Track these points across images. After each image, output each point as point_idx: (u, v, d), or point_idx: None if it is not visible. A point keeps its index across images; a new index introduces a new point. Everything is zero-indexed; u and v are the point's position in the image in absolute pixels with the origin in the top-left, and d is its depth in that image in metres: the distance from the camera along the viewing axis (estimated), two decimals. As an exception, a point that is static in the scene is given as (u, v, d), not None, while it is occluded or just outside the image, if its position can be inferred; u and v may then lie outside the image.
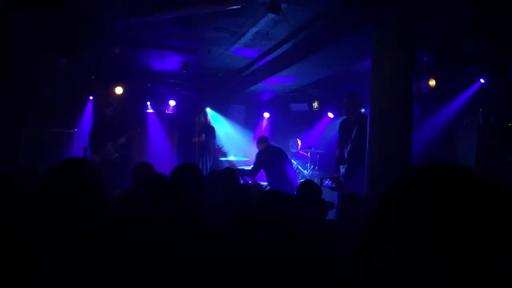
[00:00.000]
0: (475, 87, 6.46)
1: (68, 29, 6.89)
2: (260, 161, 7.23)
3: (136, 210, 3.11)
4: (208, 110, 10.28)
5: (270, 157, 7.24)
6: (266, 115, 11.50)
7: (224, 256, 2.22)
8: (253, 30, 6.86)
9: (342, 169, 6.36)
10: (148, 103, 10.33)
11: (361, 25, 5.49)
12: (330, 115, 10.45)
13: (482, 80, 6.33)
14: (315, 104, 10.60)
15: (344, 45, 6.19)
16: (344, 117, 6.80)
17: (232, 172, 4.07)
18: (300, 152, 9.64)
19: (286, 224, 2.40)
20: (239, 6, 5.74)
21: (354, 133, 6.25)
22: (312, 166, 8.95)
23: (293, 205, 2.55)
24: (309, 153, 9.04)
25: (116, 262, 2.19)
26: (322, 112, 10.53)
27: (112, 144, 7.68)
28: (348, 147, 6.33)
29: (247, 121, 11.63)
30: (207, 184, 4.23)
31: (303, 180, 4.17)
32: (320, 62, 7.17)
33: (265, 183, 8.13)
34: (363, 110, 6.40)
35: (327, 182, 5.17)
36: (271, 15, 5.86)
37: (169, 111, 10.55)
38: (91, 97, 9.78)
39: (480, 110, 6.36)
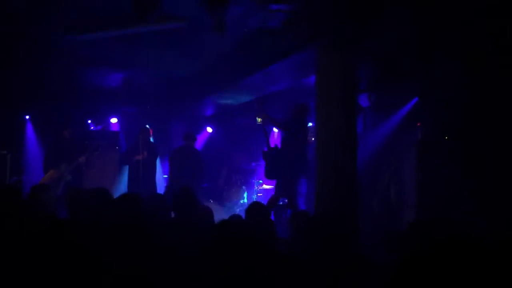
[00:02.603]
0: (412, 102, 6.76)
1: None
2: None
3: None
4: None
5: None
6: (209, 129, 11.41)
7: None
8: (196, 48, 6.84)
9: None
10: (89, 121, 10.02)
11: (305, 43, 5.61)
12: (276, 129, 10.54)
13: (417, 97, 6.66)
14: (259, 119, 10.63)
15: (289, 63, 6.30)
16: None
17: (189, 195, 3.99)
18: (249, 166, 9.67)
19: (237, 258, 2.39)
20: (183, 25, 5.71)
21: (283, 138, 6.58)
22: (259, 181, 9.00)
23: (244, 236, 2.52)
24: (255, 168, 9.10)
25: None
26: (268, 126, 10.57)
27: (66, 165, 7.50)
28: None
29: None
30: (152, 208, 4.13)
31: (250, 203, 4.17)
32: (264, 78, 7.25)
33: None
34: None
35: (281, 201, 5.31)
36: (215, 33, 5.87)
37: (111, 129, 10.28)
38: (27, 117, 9.37)
39: (418, 124, 6.65)
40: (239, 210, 8.09)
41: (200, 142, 11.28)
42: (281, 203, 6.43)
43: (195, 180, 7.86)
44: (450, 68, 5.99)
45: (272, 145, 6.91)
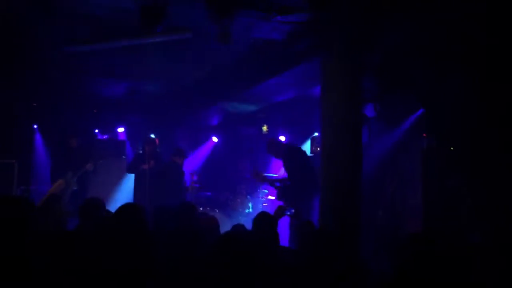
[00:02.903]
0: (418, 113, 6.77)
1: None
2: None
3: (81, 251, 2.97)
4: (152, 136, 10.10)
5: None
6: (215, 139, 11.44)
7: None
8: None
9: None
10: (96, 130, 10.10)
11: (310, 55, 5.65)
12: (282, 138, 10.53)
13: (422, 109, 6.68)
14: (265, 128, 10.65)
15: (293, 74, 6.34)
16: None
17: (188, 208, 4.02)
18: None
19: (242, 273, 2.39)
20: (189, 36, 5.77)
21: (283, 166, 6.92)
22: (265, 191, 9.01)
23: (248, 248, 2.54)
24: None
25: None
26: (273, 136, 10.58)
27: (73, 174, 7.56)
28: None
29: (195, 146, 11.52)
30: (157, 221, 4.15)
31: (258, 213, 4.20)
32: (269, 89, 7.29)
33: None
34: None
35: (288, 211, 5.37)
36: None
37: (118, 138, 10.36)
38: (35, 126, 9.46)
39: (424, 135, 6.65)
40: (244, 220, 8.09)
41: (205, 151, 11.33)
42: (288, 213, 6.45)
43: (165, 199, 7.20)
44: (455, 79, 5.99)
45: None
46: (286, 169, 6.96)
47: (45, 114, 9.32)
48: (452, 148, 6.18)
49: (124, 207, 3.21)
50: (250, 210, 8.94)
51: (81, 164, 7.76)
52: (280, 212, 5.93)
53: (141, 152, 8.60)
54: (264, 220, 3.92)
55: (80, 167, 7.73)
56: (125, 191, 9.74)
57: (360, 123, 5.49)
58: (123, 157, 10.20)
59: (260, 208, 8.88)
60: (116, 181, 10.01)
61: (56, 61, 7.06)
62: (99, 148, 9.66)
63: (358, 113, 5.50)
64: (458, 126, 6.18)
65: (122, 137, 10.51)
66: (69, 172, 7.63)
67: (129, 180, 9.59)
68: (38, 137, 9.58)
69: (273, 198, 8.83)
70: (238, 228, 3.72)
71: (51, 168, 7.99)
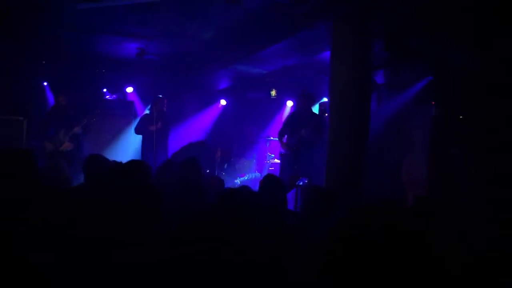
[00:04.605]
0: (427, 80, 6.69)
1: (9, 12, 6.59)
2: None
3: (91, 204, 3.02)
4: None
5: None
6: (223, 102, 11.40)
7: (178, 254, 2.23)
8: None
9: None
10: (104, 89, 10.09)
11: (319, 18, 5.56)
12: (290, 103, 10.49)
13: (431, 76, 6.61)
14: (273, 92, 10.62)
15: (302, 37, 6.26)
16: (292, 111, 7.16)
17: (195, 164, 4.04)
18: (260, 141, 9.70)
19: (243, 225, 2.43)
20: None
21: (307, 127, 6.81)
22: (271, 155, 9.04)
23: (253, 203, 2.57)
24: (268, 143, 9.12)
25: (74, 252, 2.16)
26: (281, 100, 10.56)
27: (65, 132, 7.51)
28: (297, 138, 6.88)
29: (202, 109, 11.52)
30: (165, 177, 4.19)
31: (265, 175, 4.19)
32: (277, 53, 7.21)
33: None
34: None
35: (302, 181, 5.43)
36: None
37: (127, 98, 10.37)
38: (45, 83, 9.46)
39: (433, 102, 6.60)
40: (251, 182, 8.15)
41: (213, 114, 11.33)
42: (301, 183, 6.47)
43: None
44: (464, 47, 5.90)
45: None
46: (314, 129, 6.84)
47: (55, 72, 9.30)
48: (461, 117, 6.15)
49: (131, 163, 3.24)
50: (257, 174, 9.00)
51: (72, 122, 7.61)
52: (293, 181, 5.94)
53: (148, 112, 8.61)
54: (271, 182, 3.92)
55: (72, 125, 7.59)
56: (131, 152, 9.82)
57: (369, 88, 5.45)
58: (131, 117, 10.24)
59: (266, 172, 8.94)
60: (122, 141, 10.08)
61: (67, 19, 7.00)
62: (106, 107, 9.63)
63: (367, 78, 5.45)
64: (466, 95, 6.13)
65: (131, 98, 10.50)
66: (61, 131, 7.59)
67: (136, 141, 9.65)
68: (50, 95, 9.56)
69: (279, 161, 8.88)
70: (244, 189, 3.73)
71: (42, 123, 7.84)
